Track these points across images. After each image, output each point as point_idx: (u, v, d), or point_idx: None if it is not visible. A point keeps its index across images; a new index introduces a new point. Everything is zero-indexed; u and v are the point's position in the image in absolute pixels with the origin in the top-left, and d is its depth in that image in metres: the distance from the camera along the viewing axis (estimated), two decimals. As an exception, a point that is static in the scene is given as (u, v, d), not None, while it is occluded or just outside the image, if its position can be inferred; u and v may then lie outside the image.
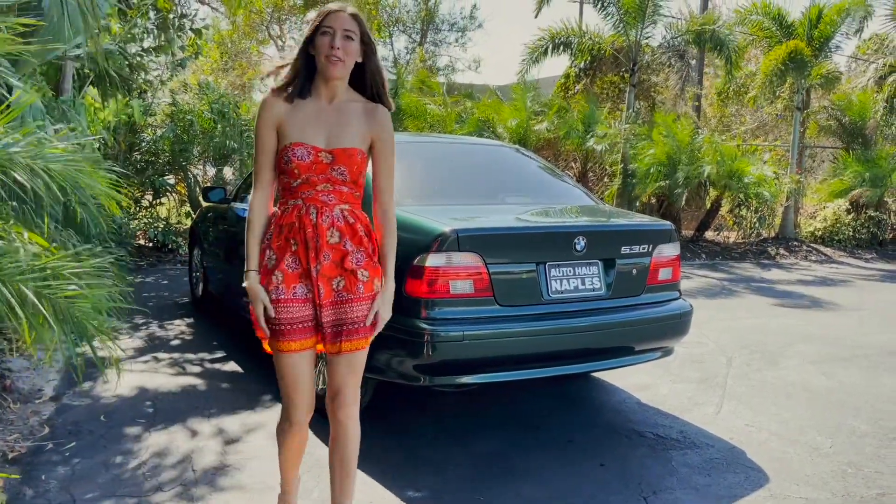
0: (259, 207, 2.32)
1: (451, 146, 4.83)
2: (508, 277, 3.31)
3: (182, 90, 9.81)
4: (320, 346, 2.32)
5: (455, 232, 3.16)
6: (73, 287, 2.75)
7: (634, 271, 3.65)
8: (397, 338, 3.23)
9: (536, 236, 3.50)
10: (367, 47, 2.27)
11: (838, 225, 13.80)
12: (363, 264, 2.27)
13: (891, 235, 14.28)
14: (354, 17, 2.24)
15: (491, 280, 3.25)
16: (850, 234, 13.65)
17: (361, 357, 2.34)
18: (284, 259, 2.24)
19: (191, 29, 7.57)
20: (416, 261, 3.16)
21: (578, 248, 3.43)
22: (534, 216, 3.86)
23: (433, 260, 3.15)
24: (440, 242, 3.14)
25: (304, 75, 2.27)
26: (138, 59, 7.56)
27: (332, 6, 2.25)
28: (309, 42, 2.24)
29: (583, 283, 3.49)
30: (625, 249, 3.61)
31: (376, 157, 2.34)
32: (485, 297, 3.25)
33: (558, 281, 3.42)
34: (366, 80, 2.33)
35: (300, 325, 2.25)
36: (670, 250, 3.82)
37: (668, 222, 3.98)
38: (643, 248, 3.67)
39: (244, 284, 2.29)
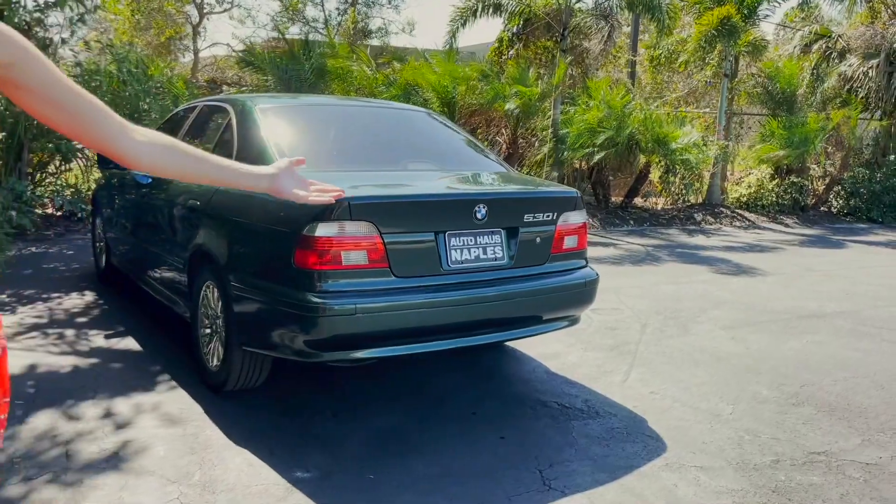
0: None
1: (358, 109, 4.62)
2: (405, 247, 3.17)
3: (86, 50, 9.24)
4: None
5: (347, 200, 2.99)
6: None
7: (538, 240, 3.56)
8: (288, 312, 3.09)
9: (435, 204, 3.35)
10: None
11: (762, 191, 14.11)
12: None
13: (812, 201, 14.68)
14: None
15: (386, 250, 3.10)
16: (774, 199, 13.97)
17: None
18: None
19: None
20: (305, 230, 2.99)
21: (479, 216, 3.31)
22: (434, 183, 3.71)
23: (324, 229, 2.99)
24: (331, 211, 2.97)
25: None
26: (36, 13, 7.06)
27: None
28: None
29: (484, 253, 3.38)
30: (528, 217, 3.50)
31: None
32: (380, 268, 3.11)
33: (458, 251, 3.30)
34: None
35: None
36: (576, 217, 3.73)
37: (574, 189, 3.89)
38: (548, 216, 3.58)
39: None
